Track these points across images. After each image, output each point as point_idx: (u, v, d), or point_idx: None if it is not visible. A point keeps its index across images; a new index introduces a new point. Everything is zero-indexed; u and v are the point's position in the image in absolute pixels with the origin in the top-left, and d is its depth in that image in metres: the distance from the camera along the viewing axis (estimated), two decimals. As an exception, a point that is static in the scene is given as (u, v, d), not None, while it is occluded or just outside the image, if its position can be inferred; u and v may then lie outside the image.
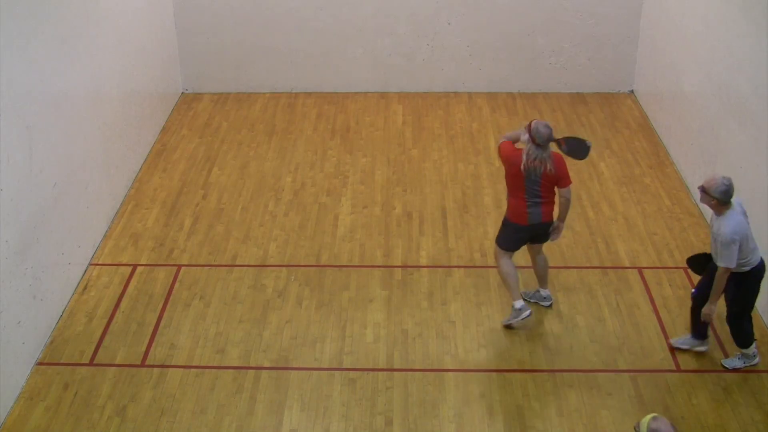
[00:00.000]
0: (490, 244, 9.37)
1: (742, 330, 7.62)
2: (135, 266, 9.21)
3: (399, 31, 12.74)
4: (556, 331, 8.24)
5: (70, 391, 7.57)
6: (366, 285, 8.86)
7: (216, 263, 9.23)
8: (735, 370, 7.71)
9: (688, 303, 8.56)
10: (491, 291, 8.74)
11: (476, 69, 12.93)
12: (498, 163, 11.06)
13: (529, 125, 7.76)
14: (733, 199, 7.20)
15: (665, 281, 8.91)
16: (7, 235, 7.38)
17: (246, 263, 9.23)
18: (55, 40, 8.52)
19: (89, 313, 8.51)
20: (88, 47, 9.39)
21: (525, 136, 7.79)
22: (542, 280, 8.48)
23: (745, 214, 7.30)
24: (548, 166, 7.79)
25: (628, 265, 9.16)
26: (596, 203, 10.23)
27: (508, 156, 7.88)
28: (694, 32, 10.45)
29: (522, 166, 7.76)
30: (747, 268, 7.36)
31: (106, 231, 9.75)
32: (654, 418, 5.20)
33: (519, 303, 8.07)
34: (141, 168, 11.03)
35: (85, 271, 9.10)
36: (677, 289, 8.79)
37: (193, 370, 7.82)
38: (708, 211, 9.84)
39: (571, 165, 11.01)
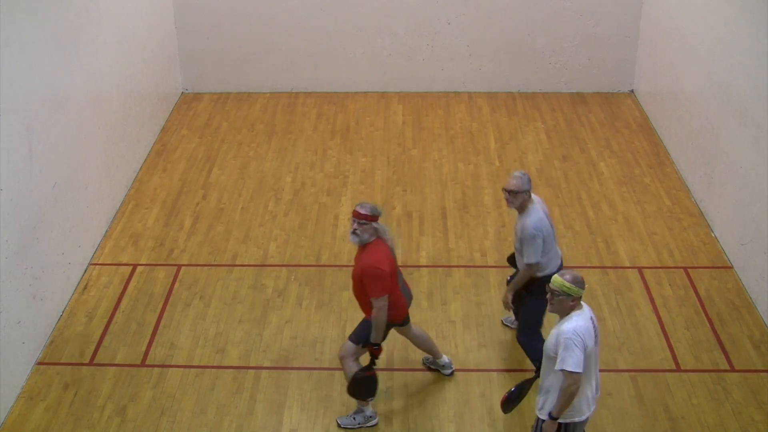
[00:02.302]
0: (491, 244, 9.37)
1: (531, 348, 7.33)
2: (135, 266, 9.21)
3: (399, 31, 12.74)
4: (556, 331, 8.23)
5: (70, 391, 7.57)
6: (366, 285, 8.86)
7: (216, 263, 9.23)
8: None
9: (689, 303, 8.58)
10: (491, 291, 8.74)
11: (476, 69, 12.93)
12: (498, 162, 11.07)
13: (361, 213, 6.78)
14: (534, 197, 7.16)
15: (665, 281, 8.91)
16: (7, 235, 7.38)
17: (246, 263, 9.23)
18: (55, 40, 8.52)
19: (89, 313, 8.51)
20: (88, 47, 9.39)
21: (360, 232, 6.82)
22: (434, 352, 7.66)
23: (547, 215, 7.13)
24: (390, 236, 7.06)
25: (628, 265, 9.16)
26: (596, 203, 10.23)
27: (386, 261, 6.85)
28: (694, 32, 10.45)
29: (390, 246, 7.00)
30: (541, 275, 7.06)
31: (106, 231, 9.75)
32: (558, 274, 5.82)
33: (370, 410, 7.22)
34: (141, 168, 11.03)
35: (85, 271, 9.10)
36: (677, 289, 8.79)
37: (193, 370, 7.82)
38: (708, 211, 9.85)
39: (571, 165, 11.05)
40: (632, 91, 12.98)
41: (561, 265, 7.31)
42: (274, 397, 7.50)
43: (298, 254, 9.38)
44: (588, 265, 9.16)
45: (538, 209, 7.11)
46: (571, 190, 10.50)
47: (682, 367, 7.81)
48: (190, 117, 12.39)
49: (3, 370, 7.29)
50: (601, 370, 7.67)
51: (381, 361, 7.88)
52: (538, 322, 7.40)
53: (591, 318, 5.88)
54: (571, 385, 5.72)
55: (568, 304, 5.79)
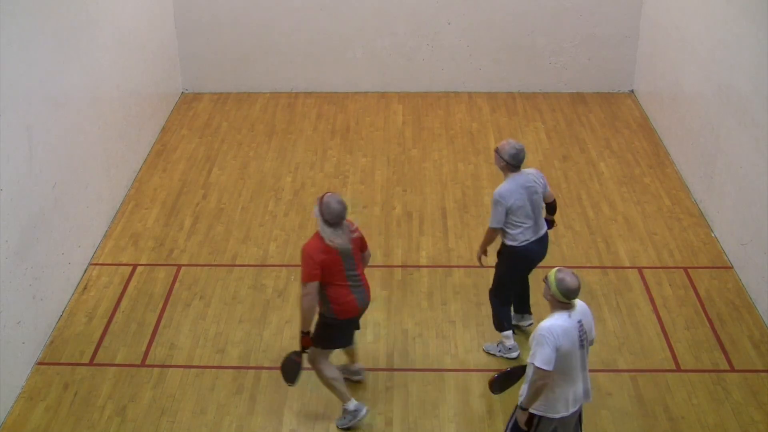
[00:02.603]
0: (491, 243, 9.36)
1: (494, 308, 7.81)
2: (135, 266, 9.21)
3: (399, 31, 12.74)
4: (556, 331, 8.23)
5: (70, 391, 7.57)
6: (366, 285, 8.86)
7: (216, 263, 9.23)
8: (491, 354, 7.90)
9: (689, 303, 8.58)
10: (491, 291, 8.75)
11: (476, 69, 12.93)
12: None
13: (321, 198, 6.74)
14: (527, 170, 7.42)
15: (665, 281, 8.91)
16: (7, 235, 7.38)
17: (246, 263, 9.23)
18: (55, 40, 8.52)
19: (89, 313, 8.51)
20: (88, 47, 9.39)
21: (315, 210, 6.77)
22: (352, 354, 7.63)
23: (530, 189, 7.33)
24: (350, 236, 6.88)
25: (628, 265, 9.16)
26: (596, 203, 10.23)
27: (324, 252, 6.72)
28: (694, 32, 10.45)
29: (336, 248, 6.75)
30: (510, 243, 7.47)
31: (106, 231, 9.75)
32: (559, 270, 5.87)
33: (352, 404, 7.13)
34: (141, 168, 11.03)
35: (85, 271, 9.10)
36: (677, 289, 8.79)
37: (193, 370, 7.82)
38: (708, 211, 9.85)
39: (571, 165, 11.05)
40: (632, 91, 12.98)
41: (540, 240, 7.56)
42: (274, 397, 7.50)
43: (298, 254, 9.32)
44: (588, 265, 9.16)
45: (516, 179, 7.36)
46: (571, 190, 10.50)
47: (682, 367, 7.81)
48: (190, 117, 12.40)
49: (3, 370, 7.29)
50: (600, 370, 7.74)
51: (381, 361, 7.89)
52: (505, 287, 7.76)
53: (578, 321, 5.91)
54: (538, 380, 5.83)
55: (549, 296, 5.91)
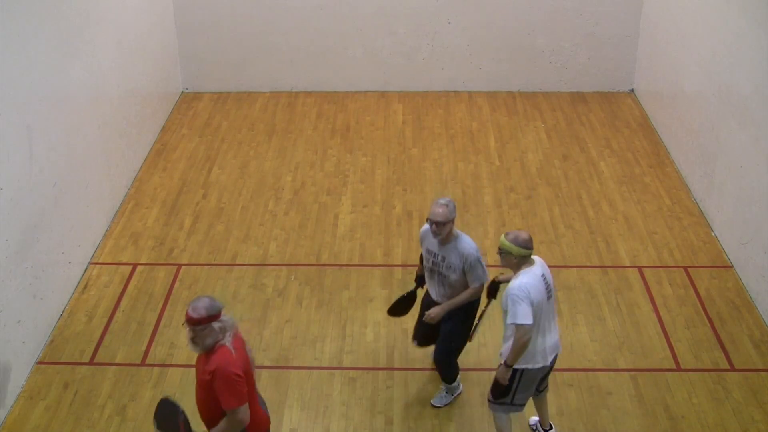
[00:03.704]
0: (491, 243, 9.36)
1: (451, 366, 7.23)
2: (135, 265, 9.21)
3: (399, 31, 12.74)
4: (556, 330, 8.24)
5: (70, 391, 7.57)
6: (366, 284, 8.86)
7: (216, 262, 9.23)
8: (446, 405, 7.40)
9: (689, 301, 8.58)
10: (491, 290, 8.75)
11: (476, 68, 12.93)
12: (498, 162, 11.07)
13: (218, 314, 5.56)
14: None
15: (665, 280, 8.91)
16: (7, 234, 7.39)
17: (246, 262, 9.23)
18: (55, 39, 8.52)
19: (89, 313, 8.51)
20: (88, 47, 9.39)
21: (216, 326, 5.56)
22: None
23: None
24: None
25: (628, 265, 9.16)
26: (596, 202, 10.23)
27: (240, 363, 5.61)
28: (694, 32, 10.45)
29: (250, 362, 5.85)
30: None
31: (106, 230, 9.75)
32: (505, 234, 6.32)
33: None
34: (141, 167, 11.03)
35: (85, 271, 9.10)
36: (677, 289, 8.79)
37: (193, 369, 7.79)
38: (708, 211, 9.85)
39: (571, 164, 11.04)
40: (632, 90, 12.98)
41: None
42: (274, 397, 7.49)
43: (298, 254, 9.38)
44: (588, 264, 9.16)
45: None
46: (571, 189, 10.50)
47: (683, 367, 7.81)
48: (190, 116, 12.40)
49: (3, 369, 7.29)
50: (600, 370, 7.75)
51: (381, 361, 7.89)
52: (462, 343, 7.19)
53: (542, 275, 6.36)
54: (523, 336, 6.23)
55: (512, 260, 6.33)
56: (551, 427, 7.13)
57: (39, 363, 7.88)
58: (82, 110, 9.13)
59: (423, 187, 10.58)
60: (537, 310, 6.24)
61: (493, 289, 7.05)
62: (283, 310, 8.54)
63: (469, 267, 6.79)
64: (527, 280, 6.24)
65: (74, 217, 8.82)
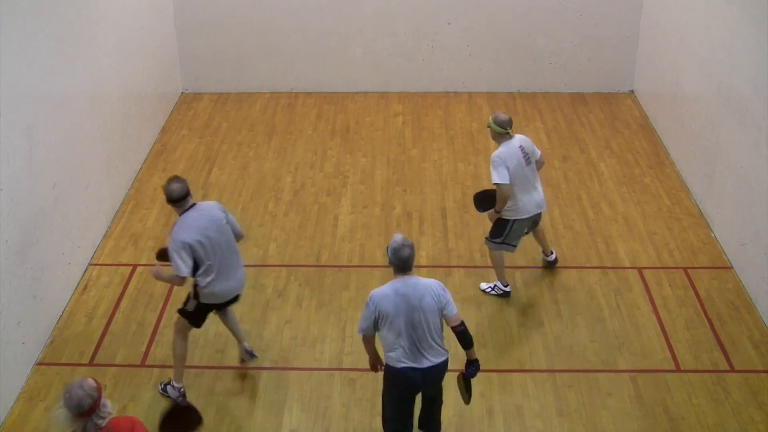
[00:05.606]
0: (490, 244, 9.37)
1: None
2: (135, 266, 9.20)
3: (399, 31, 12.74)
4: (555, 331, 8.24)
5: (70, 391, 7.56)
6: (366, 285, 8.85)
7: (216, 263, 9.21)
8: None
9: (688, 302, 8.58)
10: (491, 291, 8.75)
11: (476, 69, 12.93)
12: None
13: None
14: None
15: (665, 281, 8.91)
16: (7, 235, 7.38)
17: (246, 263, 9.19)
18: (55, 40, 8.52)
19: (89, 313, 8.51)
20: (88, 47, 9.39)
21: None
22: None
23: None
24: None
25: (628, 265, 9.16)
26: (596, 203, 10.23)
27: None
28: (694, 32, 10.45)
29: None
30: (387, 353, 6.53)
31: (106, 231, 9.75)
32: (494, 113, 8.20)
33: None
34: (141, 168, 11.03)
35: (85, 271, 9.10)
36: (677, 289, 8.79)
37: (193, 370, 7.81)
38: (708, 211, 9.85)
39: (571, 165, 11.04)
40: (632, 91, 12.98)
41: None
42: (274, 398, 7.50)
43: (298, 254, 9.37)
44: (588, 265, 9.16)
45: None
46: (571, 190, 10.50)
47: (682, 368, 7.81)
48: (190, 117, 12.39)
49: (3, 370, 7.29)
50: (601, 370, 7.76)
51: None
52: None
53: (520, 146, 8.07)
54: (504, 193, 8.01)
55: (494, 134, 8.10)
56: (552, 253, 8.99)
57: (39, 364, 7.88)
58: (81, 111, 9.13)
59: (423, 187, 10.58)
60: (517, 173, 7.98)
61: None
62: (283, 311, 8.54)
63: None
64: (504, 150, 8.01)
65: (74, 218, 8.82)
